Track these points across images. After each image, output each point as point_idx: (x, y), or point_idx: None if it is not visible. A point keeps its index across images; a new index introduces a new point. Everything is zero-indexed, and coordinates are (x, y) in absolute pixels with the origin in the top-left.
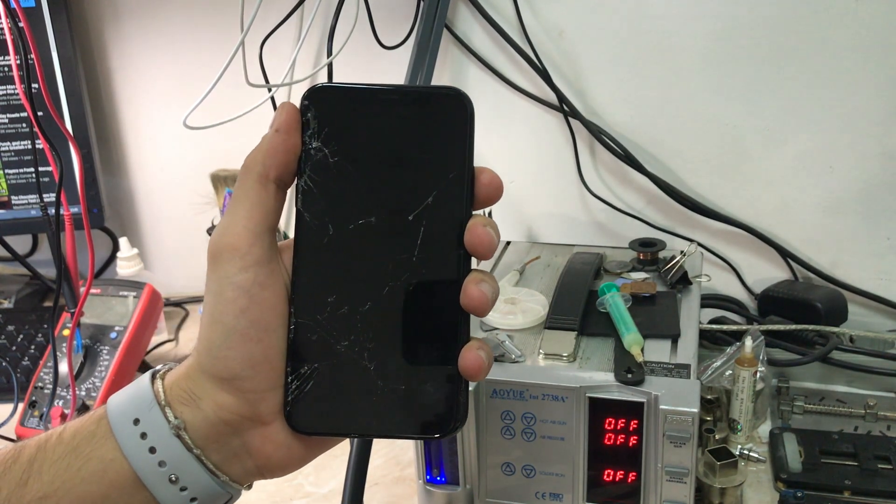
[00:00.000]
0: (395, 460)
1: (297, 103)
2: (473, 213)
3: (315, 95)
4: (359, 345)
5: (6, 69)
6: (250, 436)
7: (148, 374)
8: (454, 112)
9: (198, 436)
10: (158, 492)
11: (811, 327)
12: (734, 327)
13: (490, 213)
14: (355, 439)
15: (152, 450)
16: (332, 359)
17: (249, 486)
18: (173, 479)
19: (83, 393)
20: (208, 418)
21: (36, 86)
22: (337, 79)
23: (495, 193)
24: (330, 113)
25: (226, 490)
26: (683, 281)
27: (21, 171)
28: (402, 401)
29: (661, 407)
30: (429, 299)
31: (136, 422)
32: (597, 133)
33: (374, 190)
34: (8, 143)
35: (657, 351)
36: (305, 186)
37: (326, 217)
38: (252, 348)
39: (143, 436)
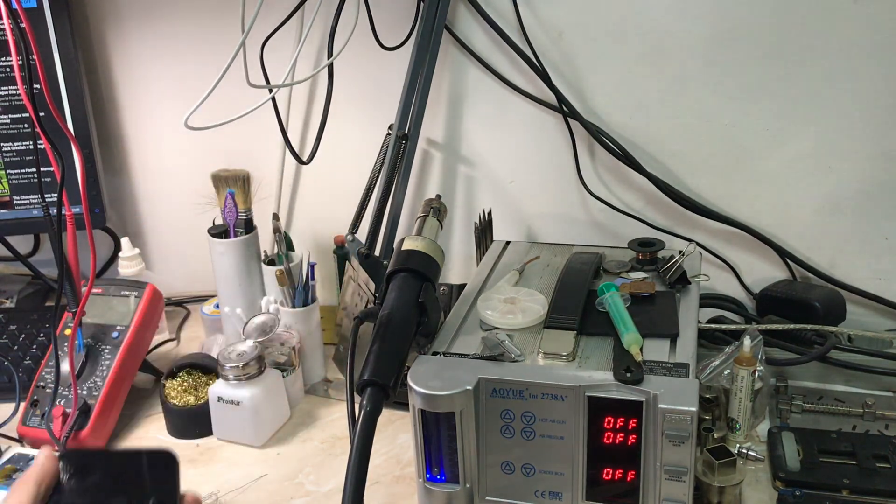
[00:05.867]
0: (396, 459)
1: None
2: None
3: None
4: None
5: (8, 70)
6: None
7: None
8: (164, 462)
9: None
10: None
11: (809, 327)
12: (733, 327)
13: (490, 212)
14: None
15: None
16: None
17: None
18: None
19: (85, 392)
20: None
21: (38, 86)
22: (337, 80)
23: None
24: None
25: None
26: (682, 280)
27: (23, 171)
28: None
29: (660, 406)
30: None
31: None
32: (596, 133)
33: None
34: (10, 144)
35: (656, 350)
36: None
37: None
38: None
39: None
